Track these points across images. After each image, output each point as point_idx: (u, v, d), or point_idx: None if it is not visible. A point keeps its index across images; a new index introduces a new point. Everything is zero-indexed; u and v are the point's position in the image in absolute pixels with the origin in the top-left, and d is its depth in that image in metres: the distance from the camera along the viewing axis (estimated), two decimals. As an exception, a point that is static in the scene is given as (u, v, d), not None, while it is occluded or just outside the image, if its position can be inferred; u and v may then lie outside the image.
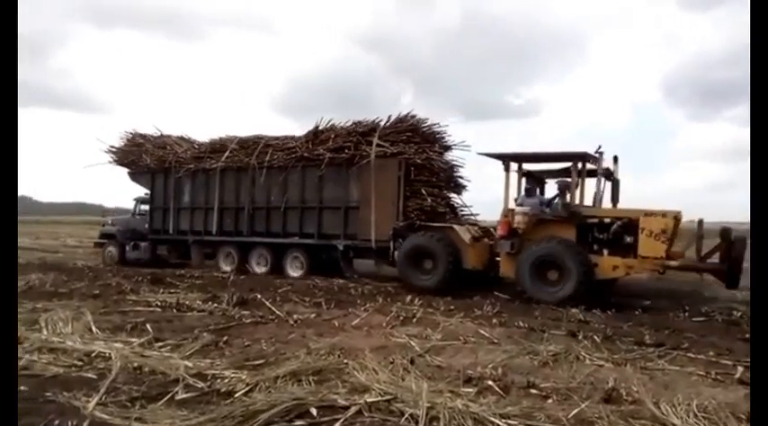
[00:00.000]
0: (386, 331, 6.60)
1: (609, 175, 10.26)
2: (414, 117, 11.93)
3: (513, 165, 10.26)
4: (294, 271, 12.69)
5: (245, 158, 13.37)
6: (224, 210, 13.90)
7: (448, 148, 12.15)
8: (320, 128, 12.77)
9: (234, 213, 13.74)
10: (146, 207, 15.65)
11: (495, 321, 7.36)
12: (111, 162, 15.49)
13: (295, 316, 7.32)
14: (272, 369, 4.75)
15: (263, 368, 4.88)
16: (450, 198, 11.97)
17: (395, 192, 11.52)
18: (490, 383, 4.56)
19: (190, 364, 4.92)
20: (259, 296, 8.78)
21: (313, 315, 7.53)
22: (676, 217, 8.95)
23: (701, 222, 9.31)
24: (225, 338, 6.02)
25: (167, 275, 11.86)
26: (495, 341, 6.18)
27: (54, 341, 5.54)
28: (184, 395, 4.17)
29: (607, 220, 9.53)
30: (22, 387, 4.23)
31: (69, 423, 3.41)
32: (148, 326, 6.44)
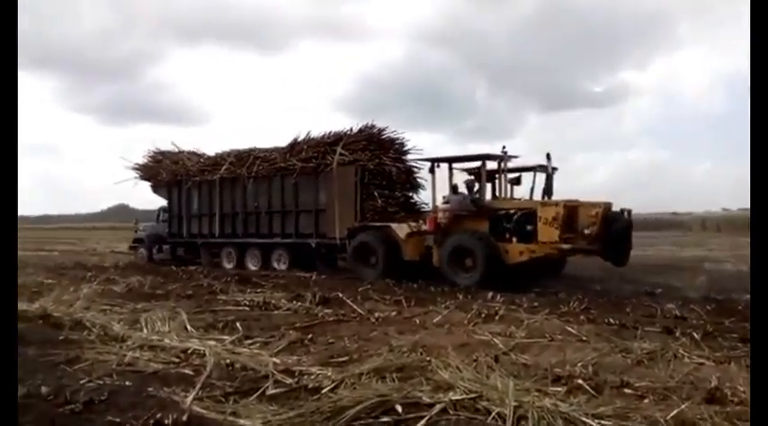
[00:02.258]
0: (468, 328, 6.53)
1: (544, 170, 11.54)
2: (373, 127, 13.44)
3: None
4: (279, 266, 14.50)
5: (238, 169, 15.30)
6: (224, 216, 15.92)
7: (404, 153, 13.55)
8: (298, 140, 14.32)
9: (231, 218, 15.79)
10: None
11: (582, 318, 7.11)
12: (136, 177, 17.74)
13: (376, 314, 7.40)
14: (356, 366, 4.82)
15: (348, 364, 4.96)
16: (402, 197, 13.33)
17: (353, 195, 13.00)
18: (580, 382, 4.39)
19: (278, 361, 5.08)
20: (340, 294, 8.94)
21: (394, 313, 7.58)
22: (566, 206, 10.15)
23: (625, 212, 10.30)
24: (310, 335, 6.18)
25: (253, 275, 12.37)
26: (584, 338, 5.95)
27: (153, 340, 5.90)
28: (274, 391, 4.30)
29: (512, 212, 10.86)
30: (126, 383, 4.53)
31: (170, 417, 3.60)
32: (238, 324, 6.72)
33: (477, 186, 11.51)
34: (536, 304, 8.17)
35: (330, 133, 13.99)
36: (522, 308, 7.76)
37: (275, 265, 14.61)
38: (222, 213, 15.95)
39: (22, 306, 7.42)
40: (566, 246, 10.06)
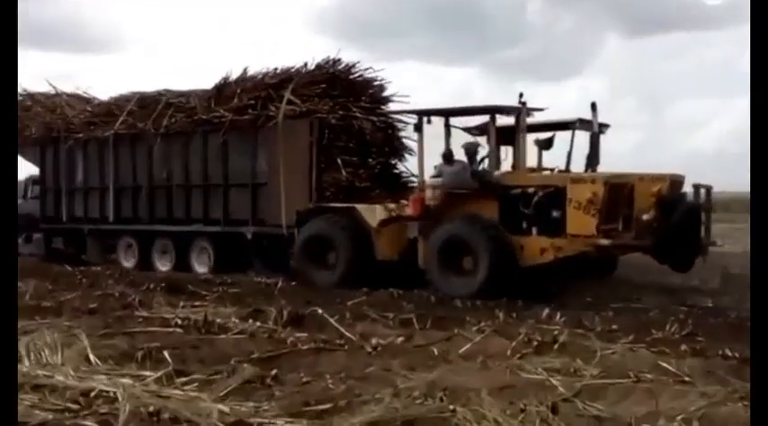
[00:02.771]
0: (511, 362, 6.56)
1: (587, 127, 11.79)
2: (337, 61, 13.74)
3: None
4: (201, 267, 14.95)
5: (141, 123, 15.48)
6: (121, 191, 16.33)
7: (383, 101, 14.00)
8: (230, 79, 14.60)
9: (132, 194, 16.22)
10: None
11: (684, 348, 7.14)
12: None
13: (374, 341, 7.43)
14: (343, 418, 4.84)
15: (331, 415, 4.98)
16: (379, 167, 13.68)
17: (306, 163, 13.16)
18: (680, 444, 4.43)
19: (226, 409, 5.09)
20: (320, 310, 8.95)
21: (400, 339, 7.61)
22: (608, 183, 10.30)
23: (696, 187, 10.83)
24: (274, 372, 6.19)
25: (188, 281, 12.41)
26: (687, 378, 5.98)
27: (39, 375, 5.89)
28: (220, 454, 4.34)
29: (531, 190, 10.98)
30: (0, 439, 4.56)
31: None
32: (166, 354, 6.72)
33: (482, 152, 11.86)
34: (614, 326, 8.21)
35: (275, 70, 14.13)
36: (592, 333, 7.78)
37: (195, 264, 15.03)
38: (118, 187, 16.27)
39: None
40: (604, 242, 10.23)
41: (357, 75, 13.92)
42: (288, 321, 8.46)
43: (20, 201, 18.79)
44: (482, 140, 12.11)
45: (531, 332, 7.75)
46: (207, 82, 17.70)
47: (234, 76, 14.65)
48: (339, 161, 13.10)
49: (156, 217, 15.78)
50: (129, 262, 16.01)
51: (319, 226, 12.58)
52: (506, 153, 12.06)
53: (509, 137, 11.87)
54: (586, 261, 10.94)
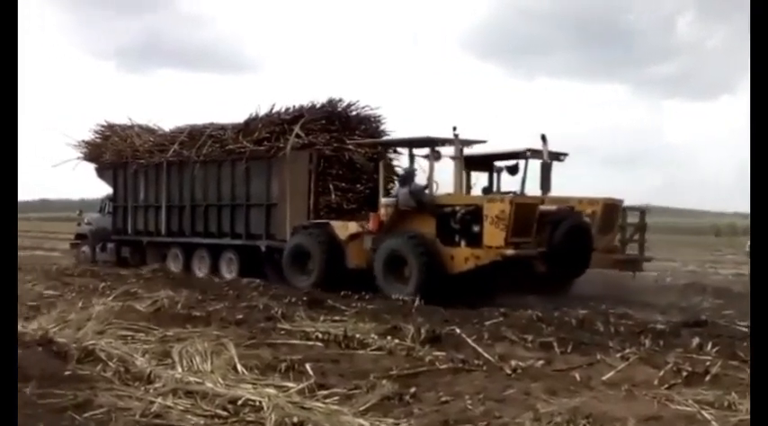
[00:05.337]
0: (659, 392, 6.32)
1: (537, 156, 13.70)
2: (339, 101, 16.50)
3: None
4: (228, 273, 17.40)
5: (187, 151, 18.35)
6: (171, 208, 19.28)
7: (377, 135, 16.47)
8: (259, 115, 17.12)
9: (178, 212, 19.15)
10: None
11: None
12: (80, 158, 21.20)
13: (513, 363, 7.35)
14: (483, 440, 4.81)
15: (470, 436, 4.96)
16: (368, 191, 15.87)
17: (306, 188, 15.76)
18: None
19: (366, 424, 5.19)
20: (458, 330, 8.98)
21: (540, 363, 7.49)
22: (512, 202, 12.36)
23: (623, 209, 13.96)
24: (412, 389, 6.23)
25: (328, 296, 12.71)
26: None
27: (191, 382, 6.23)
28: (361, 469, 4.41)
29: (458, 208, 13.06)
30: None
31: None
32: (308, 367, 6.93)
33: (421, 176, 13.92)
34: (773, 359, 7.74)
35: (291, 108, 16.78)
36: (747, 365, 7.35)
37: (224, 272, 17.61)
38: (169, 205, 19.31)
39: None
40: (510, 252, 12.14)
41: (355, 112, 16.61)
42: (426, 339, 8.49)
43: (98, 216, 22.60)
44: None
45: (680, 361, 7.40)
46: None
47: (262, 112, 17.18)
48: (331, 186, 15.69)
49: (195, 231, 18.58)
50: (176, 269, 18.66)
51: (301, 238, 14.87)
52: (476, 177, 14.97)
53: (477, 164, 14.70)
54: (537, 276, 12.64)
